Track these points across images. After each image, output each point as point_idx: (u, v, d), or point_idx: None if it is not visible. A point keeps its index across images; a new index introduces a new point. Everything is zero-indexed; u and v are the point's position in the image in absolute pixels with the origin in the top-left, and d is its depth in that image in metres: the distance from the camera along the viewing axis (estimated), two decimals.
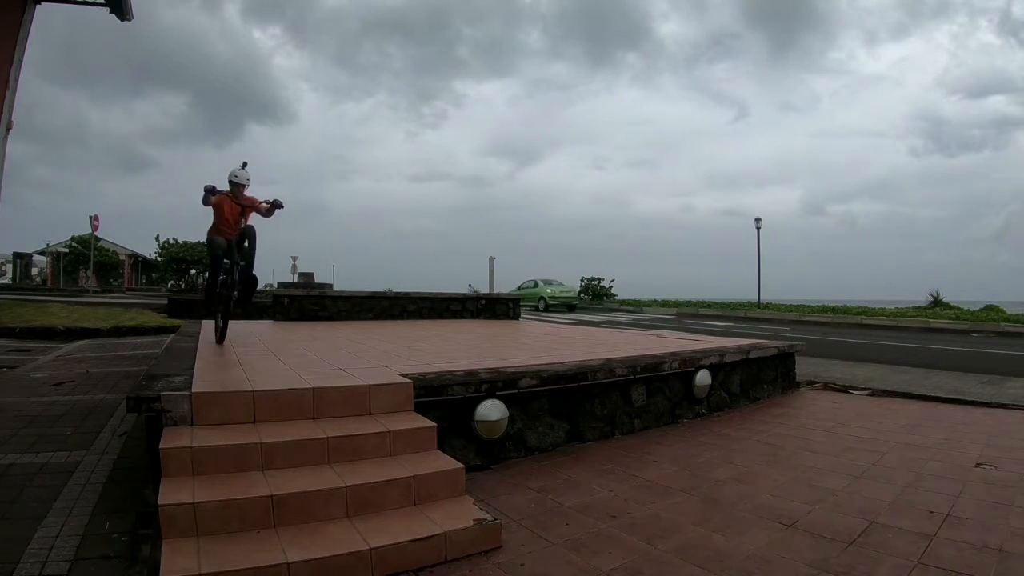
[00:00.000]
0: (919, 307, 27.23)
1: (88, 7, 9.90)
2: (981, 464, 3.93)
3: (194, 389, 3.14)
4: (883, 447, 4.38)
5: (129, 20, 10.21)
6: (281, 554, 2.28)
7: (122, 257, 42.63)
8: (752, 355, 6.26)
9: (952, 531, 2.82)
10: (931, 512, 3.06)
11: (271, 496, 2.53)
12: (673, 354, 5.53)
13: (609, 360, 4.97)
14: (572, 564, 2.53)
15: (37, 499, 3.22)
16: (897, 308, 27.20)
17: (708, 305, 30.56)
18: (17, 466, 3.76)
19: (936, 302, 28.92)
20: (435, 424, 3.39)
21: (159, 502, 2.42)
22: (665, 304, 31.96)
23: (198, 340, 5.91)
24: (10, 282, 36.62)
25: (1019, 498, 3.30)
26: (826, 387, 7.26)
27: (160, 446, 2.71)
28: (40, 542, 2.71)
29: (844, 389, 7.08)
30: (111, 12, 9.88)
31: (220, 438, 2.87)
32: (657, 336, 8.34)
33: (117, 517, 3.01)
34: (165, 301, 18.72)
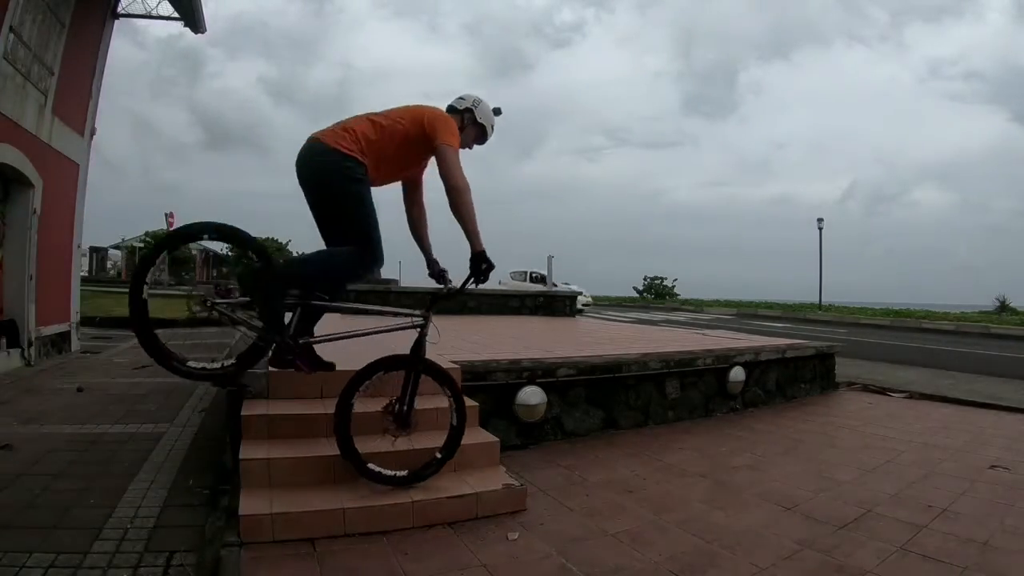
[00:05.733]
0: (984, 312, 26.21)
1: (162, 21, 10.46)
2: (996, 466, 4.01)
3: (270, 368, 3.62)
4: (902, 446, 4.52)
5: (203, 33, 10.85)
6: (338, 502, 2.74)
7: (194, 252, 44.50)
8: (788, 354, 6.42)
9: (944, 524, 2.96)
10: (929, 506, 3.21)
11: (333, 456, 2.98)
12: (708, 351, 5.74)
13: (644, 354, 5.25)
14: (584, 526, 2.90)
15: (129, 460, 3.76)
16: (962, 312, 26.32)
17: (770, 306, 30.18)
18: (109, 434, 4.35)
19: (1003, 307, 27.77)
20: (477, 404, 3.76)
21: (240, 457, 2.90)
22: (727, 304, 31.73)
23: None
24: (86, 275, 39.09)
25: (1022, 499, 3.36)
26: (866, 388, 7.33)
27: (241, 413, 3.21)
28: (133, 493, 3.22)
29: (883, 391, 7.14)
30: (185, 26, 10.47)
31: (291, 409, 3.35)
32: (703, 335, 8.53)
33: (199, 476, 3.53)
34: None
